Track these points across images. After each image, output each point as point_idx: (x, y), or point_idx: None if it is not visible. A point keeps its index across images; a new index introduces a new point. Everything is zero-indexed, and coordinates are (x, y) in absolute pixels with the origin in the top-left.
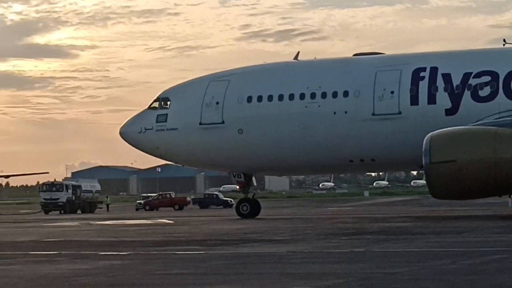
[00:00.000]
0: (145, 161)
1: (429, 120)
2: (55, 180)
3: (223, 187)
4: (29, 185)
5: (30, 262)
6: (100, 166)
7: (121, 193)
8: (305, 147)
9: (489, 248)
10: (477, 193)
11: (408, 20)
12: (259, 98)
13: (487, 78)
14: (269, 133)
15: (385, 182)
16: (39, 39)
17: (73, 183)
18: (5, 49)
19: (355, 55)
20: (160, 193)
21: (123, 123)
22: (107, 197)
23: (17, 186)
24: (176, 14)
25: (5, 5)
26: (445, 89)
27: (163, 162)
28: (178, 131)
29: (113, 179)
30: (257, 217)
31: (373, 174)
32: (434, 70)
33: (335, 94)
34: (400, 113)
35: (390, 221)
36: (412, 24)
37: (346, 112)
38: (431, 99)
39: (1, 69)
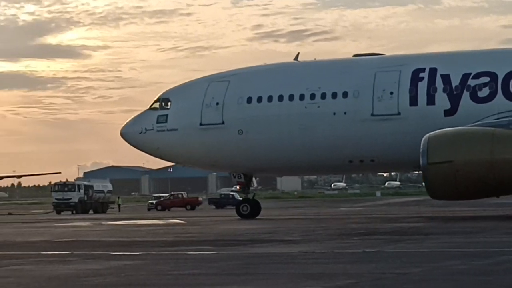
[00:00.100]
0: (157, 161)
1: (428, 120)
2: (67, 180)
3: (235, 187)
4: (41, 185)
5: (42, 262)
6: (112, 166)
7: (133, 193)
8: (304, 148)
9: (501, 249)
10: (474, 194)
11: (421, 20)
12: (259, 99)
13: (486, 79)
14: (269, 133)
15: (397, 183)
16: (52, 39)
17: (85, 183)
18: (17, 49)
19: (354, 56)
20: (172, 193)
21: (124, 124)
22: (118, 197)
23: (29, 186)
24: (188, 14)
25: (17, 5)
26: (444, 90)
27: None
28: (178, 131)
29: (125, 179)
30: (257, 217)
31: (384, 174)
32: (433, 71)
33: (334, 95)
34: (399, 113)
35: (402, 222)
36: (424, 25)
37: (345, 113)
38: (430, 100)
39: (13, 69)
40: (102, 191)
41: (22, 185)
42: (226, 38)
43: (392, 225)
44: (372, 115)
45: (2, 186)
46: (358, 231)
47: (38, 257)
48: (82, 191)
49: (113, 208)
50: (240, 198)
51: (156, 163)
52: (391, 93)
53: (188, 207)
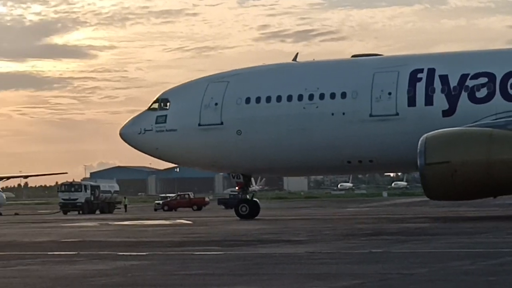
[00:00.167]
0: (164, 161)
1: (426, 121)
2: (73, 180)
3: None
4: (47, 185)
5: (49, 262)
6: (119, 167)
7: (139, 194)
8: (303, 148)
9: (508, 249)
10: (471, 194)
11: (427, 20)
12: (258, 99)
13: (484, 80)
14: (268, 134)
15: (403, 183)
16: (58, 39)
17: (92, 183)
18: (24, 49)
19: (353, 56)
20: (179, 193)
21: (123, 124)
22: (125, 197)
23: (35, 186)
24: (194, 14)
25: (24, 5)
26: (442, 91)
27: None
28: (177, 132)
29: (131, 179)
30: (257, 217)
31: (391, 174)
32: (431, 71)
33: (333, 95)
34: (397, 114)
35: (409, 222)
36: (431, 25)
37: (344, 113)
38: (428, 101)
39: (20, 69)
40: (109, 192)
41: (29, 185)
42: (232, 38)
43: (398, 225)
44: (371, 115)
45: (9, 186)
46: (365, 232)
47: (45, 257)
48: (88, 191)
49: (119, 208)
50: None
51: (163, 164)
52: (390, 93)
53: (195, 207)
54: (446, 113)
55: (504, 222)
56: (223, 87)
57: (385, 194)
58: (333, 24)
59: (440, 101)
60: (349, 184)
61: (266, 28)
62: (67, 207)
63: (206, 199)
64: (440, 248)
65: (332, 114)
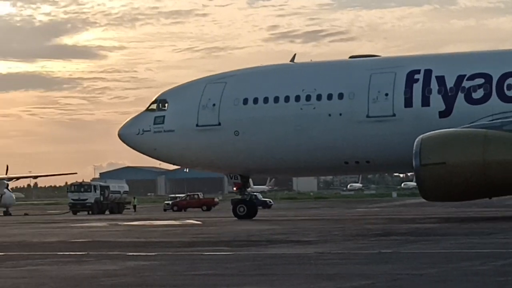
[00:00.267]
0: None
1: (423, 122)
2: (83, 180)
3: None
4: (57, 185)
5: (59, 262)
6: (128, 167)
7: (149, 194)
8: (300, 149)
9: None
10: (467, 195)
11: (436, 21)
12: (255, 100)
13: (480, 81)
14: (265, 134)
15: (413, 183)
16: (68, 40)
17: (101, 183)
18: (33, 50)
19: (351, 57)
20: (188, 193)
21: (122, 125)
22: (134, 197)
23: (45, 186)
24: (204, 15)
25: (33, 6)
26: (439, 92)
27: None
28: (175, 132)
29: (141, 179)
30: (254, 218)
31: (401, 175)
32: (428, 72)
33: (330, 96)
34: (394, 115)
35: (418, 222)
36: (440, 25)
37: (340, 114)
38: (425, 101)
39: (29, 70)
40: (118, 192)
41: (39, 186)
42: (242, 39)
43: (408, 225)
44: (368, 116)
45: (19, 186)
46: (374, 232)
47: (54, 258)
48: (98, 191)
49: (129, 208)
50: (264, 199)
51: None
52: (386, 94)
53: (204, 207)
54: (443, 114)
55: None
56: (221, 88)
57: (394, 194)
58: (342, 25)
59: (437, 102)
60: (359, 185)
61: (276, 28)
62: (76, 207)
63: (216, 199)
64: (449, 249)
65: (329, 115)
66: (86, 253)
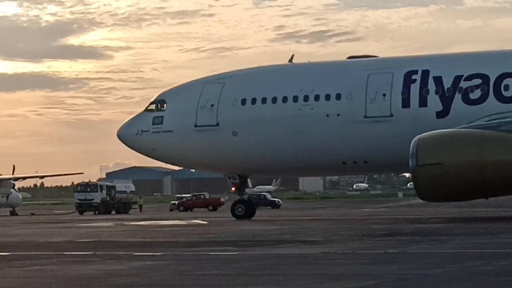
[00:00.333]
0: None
1: (420, 122)
2: (89, 180)
3: (257, 188)
4: (63, 185)
5: (65, 262)
6: (134, 167)
7: (155, 194)
8: (298, 149)
9: None
10: (463, 196)
11: (443, 21)
12: (253, 101)
13: (477, 81)
14: (263, 135)
15: None
16: (74, 40)
17: (108, 183)
18: (40, 50)
19: (348, 58)
20: (194, 193)
21: (121, 125)
22: (140, 197)
23: (51, 186)
24: (210, 15)
25: (40, 6)
26: (436, 92)
27: None
28: (173, 133)
29: (147, 179)
30: (252, 218)
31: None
32: (425, 73)
33: (328, 97)
34: (391, 115)
35: (424, 222)
36: (446, 25)
37: (338, 115)
38: (423, 102)
39: (36, 70)
40: (125, 192)
41: (45, 186)
42: (248, 39)
43: (414, 226)
44: (365, 117)
45: (25, 186)
46: (380, 232)
47: (61, 257)
48: (104, 191)
49: (135, 208)
50: (272, 199)
51: None
52: (384, 95)
53: (210, 207)
54: (440, 115)
55: None
56: (219, 88)
57: (400, 194)
58: (348, 25)
59: (434, 102)
60: (365, 185)
61: (282, 28)
62: (83, 207)
63: (222, 199)
64: (455, 249)
65: (327, 115)
66: (92, 253)
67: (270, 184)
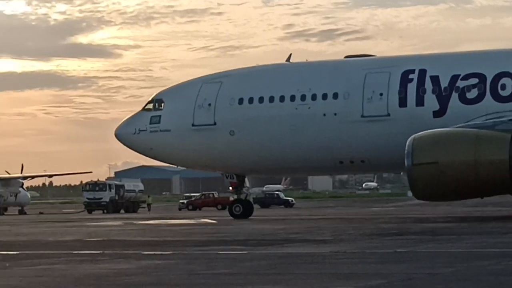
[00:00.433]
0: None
1: (417, 122)
2: (98, 179)
3: (266, 187)
4: (72, 184)
5: (73, 261)
6: (143, 166)
7: (164, 193)
8: (295, 149)
9: None
10: (459, 195)
11: (452, 19)
12: (250, 100)
13: (474, 81)
14: (260, 134)
15: None
16: (83, 38)
17: (116, 182)
18: (48, 49)
19: (346, 57)
20: (203, 192)
21: (118, 125)
22: (149, 196)
23: (60, 185)
24: (219, 13)
25: (48, 4)
26: (433, 91)
27: None
28: (171, 132)
29: (156, 178)
30: (250, 217)
31: None
32: (422, 72)
33: (325, 96)
34: (388, 115)
35: (434, 222)
36: (456, 24)
37: (335, 114)
38: (419, 101)
39: (44, 68)
40: (133, 191)
41: (54, 185)
42: (257, 38)
43: (423, 225)
44: (362, 116)
45: (34, 185)
46: (390, 231)
47: (69, 257)
48: (113, 190)
49: (144, 207)
50: (285, 198)
51: None
52: (381, 94)
53: (219, 206)
54: (437, 114)
55: None
56: (217, 87)
57: (410, 194)
58: (357, 24)
59: (431, 101)
60: (374, 184)
61: (291, 27)
62: (91, 206)
63: (231, 198)
64: (465, 248)
65: (324, 114)
66: (101, 252)
67: (279, 183)
